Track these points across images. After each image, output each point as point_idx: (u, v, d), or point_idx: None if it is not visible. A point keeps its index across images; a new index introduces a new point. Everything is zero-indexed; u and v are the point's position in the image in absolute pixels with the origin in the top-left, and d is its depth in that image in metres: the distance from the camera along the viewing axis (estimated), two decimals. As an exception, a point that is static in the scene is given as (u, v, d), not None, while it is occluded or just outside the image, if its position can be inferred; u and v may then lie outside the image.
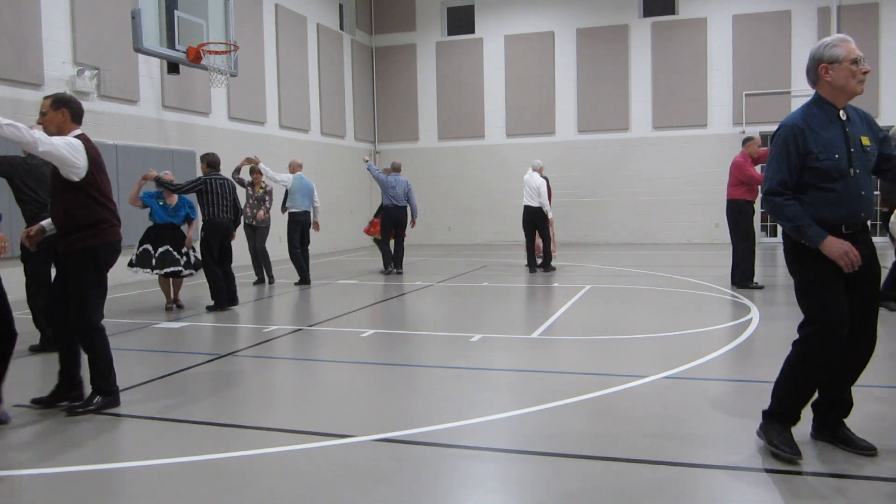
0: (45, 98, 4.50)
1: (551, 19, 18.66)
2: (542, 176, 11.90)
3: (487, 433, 3.92)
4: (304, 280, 10.65)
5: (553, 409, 4.28)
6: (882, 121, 14.85)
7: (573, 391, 4.59)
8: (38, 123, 4.51)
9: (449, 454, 3.60)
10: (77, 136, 4.34)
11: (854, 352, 3.39)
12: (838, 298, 3.28)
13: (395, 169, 12.26)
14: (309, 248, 10.91)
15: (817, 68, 3.31)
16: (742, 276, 9.29)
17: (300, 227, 10.70)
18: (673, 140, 17.84)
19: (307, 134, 16.89)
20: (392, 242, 12.27)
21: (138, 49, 9.84)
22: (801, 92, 16.99)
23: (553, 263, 12.17)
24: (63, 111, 4.36)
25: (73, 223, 4.32)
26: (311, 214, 10.92)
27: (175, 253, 8.24)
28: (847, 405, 3.51)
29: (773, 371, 4.43)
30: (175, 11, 10.32)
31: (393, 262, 12.12)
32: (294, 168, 10.97)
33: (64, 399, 4.51)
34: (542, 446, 3.67)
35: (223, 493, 3.18)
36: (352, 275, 12.06)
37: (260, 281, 10.83)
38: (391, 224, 12.08)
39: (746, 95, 17.20)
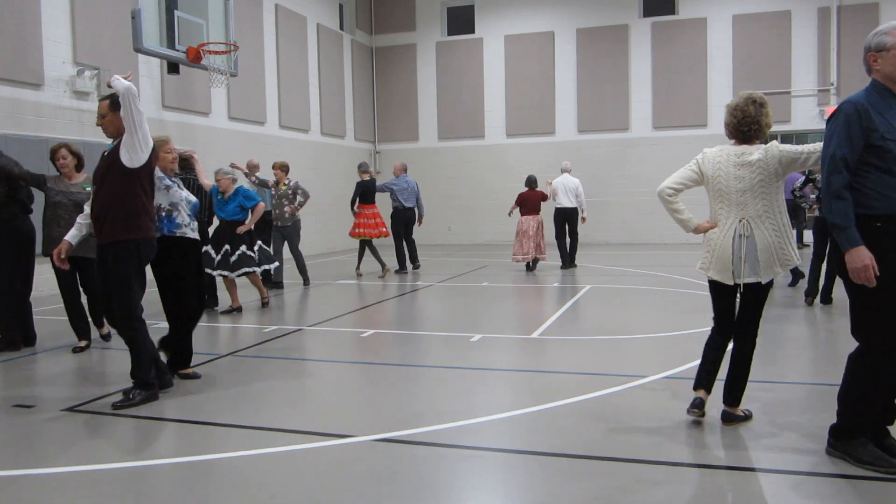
0: (102, 100, 4.61)
1: (551, 19, 18.66)
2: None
3: (487, 433, 3.92)
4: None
5: (553, 409, 4.28)
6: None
7: (573, 391, 4.59)
8: (98, 126, 4.67)
9: (449, 454, 3.60)
10: None
11: None
12: None
13: (403, 169, 12.42)
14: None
15: (867, 57, 3.22)
16: None
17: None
18: (673, 140, 17.82)
19: (307, 134, 16.89)
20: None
21: (138, 49, 9.84)
22: (801, 92, 17.00)
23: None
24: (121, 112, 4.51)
25: (121, 208, 4.45)
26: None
27: (249, 252, 8.10)
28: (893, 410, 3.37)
29: (773, 371, 4.42)
30: (175, 11, 10.31)
31: (410, 259, 12.29)
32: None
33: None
34: (542, 446, 3.68)
35: (223, 493, 3.18)
36: (352, 275, 12.06)
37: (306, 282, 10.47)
38: (402, 225, 12.17)
39: (746, 95, 17.17)
